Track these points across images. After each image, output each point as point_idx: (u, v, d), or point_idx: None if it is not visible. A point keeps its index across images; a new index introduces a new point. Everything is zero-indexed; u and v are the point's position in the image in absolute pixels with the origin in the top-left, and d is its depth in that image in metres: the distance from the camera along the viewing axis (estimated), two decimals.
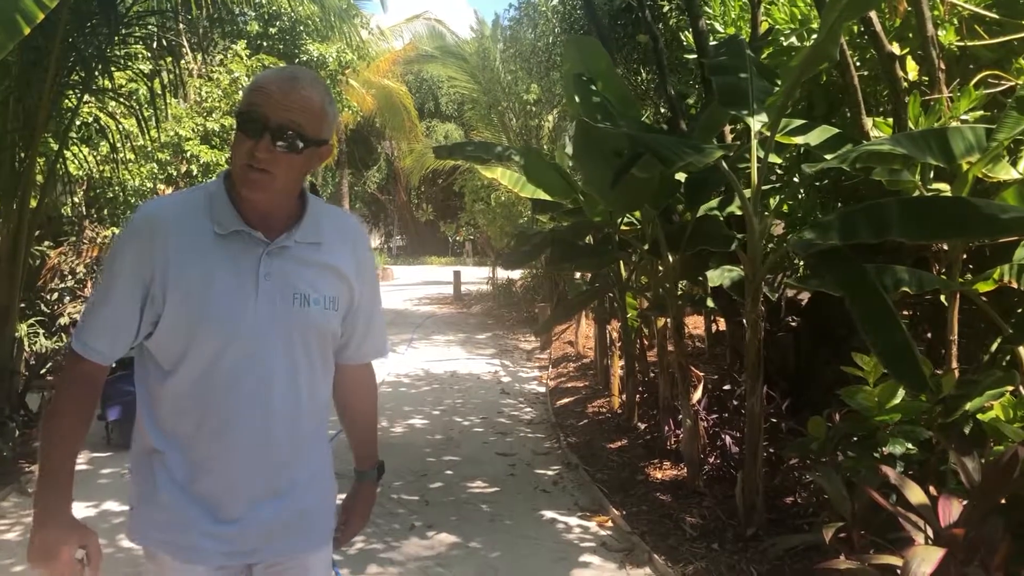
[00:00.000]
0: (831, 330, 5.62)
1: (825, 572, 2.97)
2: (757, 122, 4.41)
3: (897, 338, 3.45)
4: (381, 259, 29.42)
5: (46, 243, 9.03)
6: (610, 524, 4.79)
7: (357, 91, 20.79)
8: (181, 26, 8.16)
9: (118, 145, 7.88)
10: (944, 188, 4.43)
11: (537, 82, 14.69)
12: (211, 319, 1.68)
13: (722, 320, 7.66)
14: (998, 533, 2.66)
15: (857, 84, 4.84)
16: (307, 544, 1.88)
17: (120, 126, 8.00)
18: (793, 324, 5.91)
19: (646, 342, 7.99)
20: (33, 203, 6.39)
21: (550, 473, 5.88)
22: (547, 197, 8.05)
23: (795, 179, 5.75)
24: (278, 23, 12.32)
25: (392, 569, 4.19)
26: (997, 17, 4.69)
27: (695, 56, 7.39)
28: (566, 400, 8.30)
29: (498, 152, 7.33)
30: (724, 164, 4.22)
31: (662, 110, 8.95)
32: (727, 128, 5.91)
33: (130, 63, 7.44)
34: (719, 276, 4.84)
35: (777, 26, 6.13)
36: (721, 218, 5.32)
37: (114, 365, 1.85)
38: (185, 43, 9.32)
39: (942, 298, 4.40)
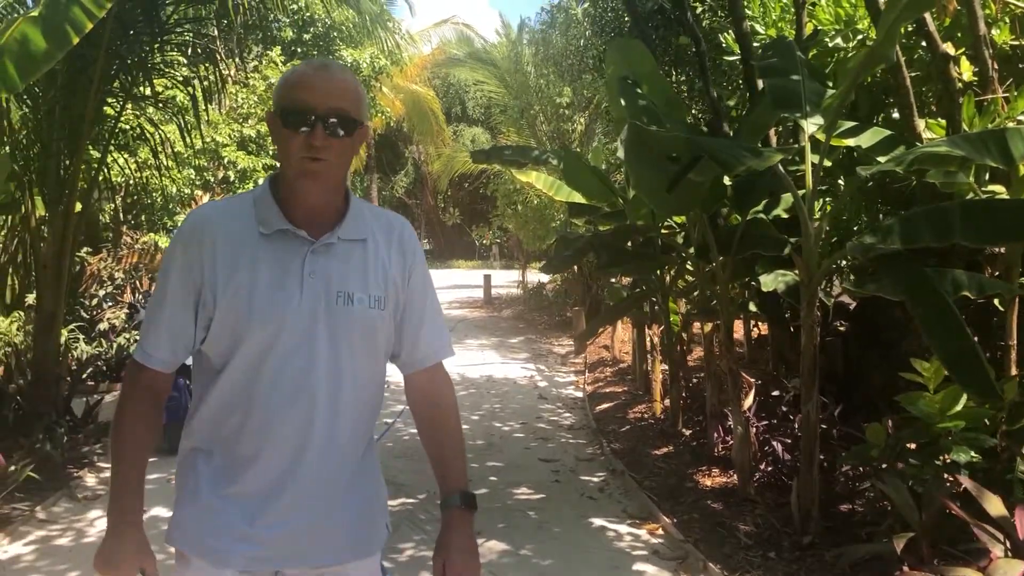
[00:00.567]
0: (880, 334, 5.55)
1: None
2: (811, 124, 4.35)
3: (962, 343, 3.38)
4: None
5: (85, 249, 9.11)
6: (661, 532, 4.73)
7: (386, 96, 20.85)
8: (217, 33, 8.23)
9: (158, 150, 7.93)
10: (1000, 190, 4.35)
11: (569, 85, 14.66)
12: (257, 318, 1.68)
13: (762, 325, 7.60)
14: None
15: (909, 85, 4.77)
16: (347, 553, 1.82)
17: (159, 132, 8.06)
18: (841, 329, 5.83)
19: (686, 347, 7.91)
20: (77, 209, 6.44)
21: (595, 480, 5.83)
22: (583, 200, 8.05)
23: (840, 182, 5.69)
24: (312, 29, 12.37)
25: None
26: None
27: (734, 58, 7.36)
28: (606, 405, 8.25)
29: (535, 155, 7.31)
30: (780, 168, 4.16)
31: (694, 112, 8.87)
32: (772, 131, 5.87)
33: (168, 70, 7.51)
34: (772, 280, 4.77)
35: (822, 27, 6.06)
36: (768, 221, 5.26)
37: None
38: (220, 50, 9.39)
39: (996, 302, 4.32)
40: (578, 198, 8.13)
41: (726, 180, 5.14)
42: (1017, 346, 4.14)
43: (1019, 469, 3.51)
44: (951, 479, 3.58)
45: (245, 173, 9.68)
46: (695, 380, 7.24)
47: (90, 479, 5.60)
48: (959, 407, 3.66)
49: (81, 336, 8.55)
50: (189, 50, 7.42)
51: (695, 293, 7.01)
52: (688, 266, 6.52)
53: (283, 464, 1.73)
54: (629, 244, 6.69)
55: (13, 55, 4.27)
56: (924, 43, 5.11)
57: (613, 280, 9.27)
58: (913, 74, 5.34)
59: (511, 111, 17.25)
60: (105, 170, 7.29)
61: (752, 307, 6.01)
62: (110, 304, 9.12)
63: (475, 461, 6.31)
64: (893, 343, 5.44)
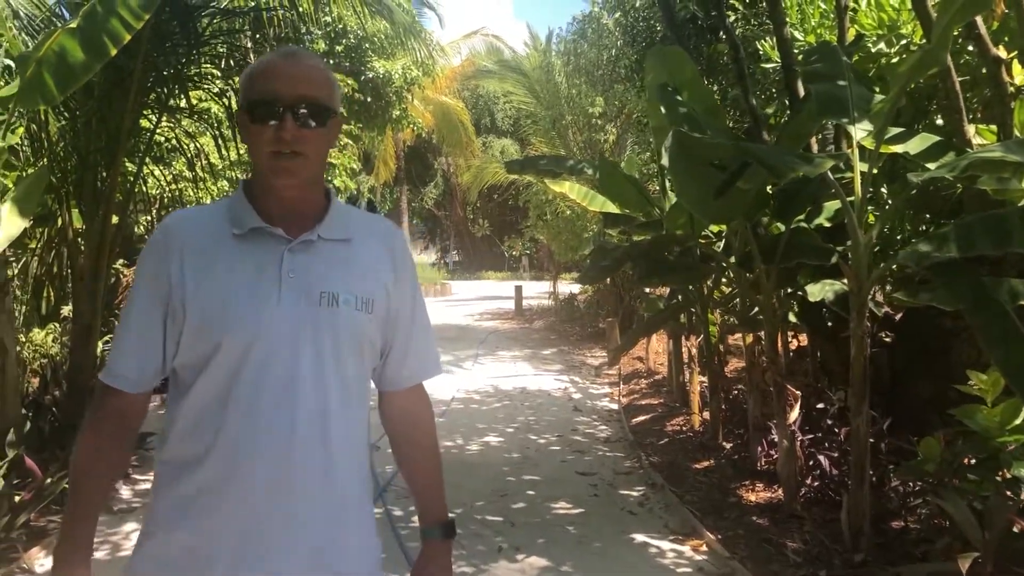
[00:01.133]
0: (926, 345, 5.41)
1: None
2: (859, 130, 4.23)
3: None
4: (439, 274, 29.52)
5: (121, 261, 9.15)
6: (705, 548, 4.61)
7: (417, 108, 20.92)
8: (249, 45, 8.25)
9: (194, 163, 7.95)
10: None
11: (600, 95, 14.60)
12: (231, 323, 1.52)
13: (800, 336, 7.46)
14: None
15: (959, 90, 4.65)
16: None
17: (194, 144, 8.08)
18: (887, 339, 5.69)
19: (723, 358, 7.79)
20: (113, 221, 6.45)
21: (635, 494, 5.72)
22: (617, 210, 7.96)
23: (883, 190, 5.57)
24: (344, 41, 12.40)
25: None
26: None
27: (771, 65, 7.26)
28: (642, 417, 8.13)
29: (570, 165, 7.25)
30: (830, 175, 4.05)
31: (728, 122, 8.75)
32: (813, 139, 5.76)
33: (204, 82, 7.52)
34: (820, 290, 4.66)
35: (864, 32, 5.95)
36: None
37: None
38: (253, 61, 9.43)
39: None
40: (612, 208, 8.06)
41: (768, 188, 5.05)
42: None
43: None
44: (1012, 496, 3.45)
45: None
46: (735, 392, 7.11)
47: (125, 491, 5.58)
48: (1020, 420, 3.54)
49: None
50: (223, 62, 7.44)
51: (733, 303, 6.89)
52: (727, 276, 6.41)
53: (259, 487, 1.52)
54: (667, 254, 6.60)
55: (52, 67, 4.27)
56: (972, 47, 5.00)
57: (648, 291, 9.16)
58: (960, 79, 5.23)
59: (542, 122, 17.21)
60: (141, 182, 7.31)
61: (791, 317, 5.89)
62: None
63: (512, 475, 6.23)
64: (940, 353, 5.30)
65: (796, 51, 6.23)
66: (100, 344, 8.09)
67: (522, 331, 16.93)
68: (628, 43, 11.46)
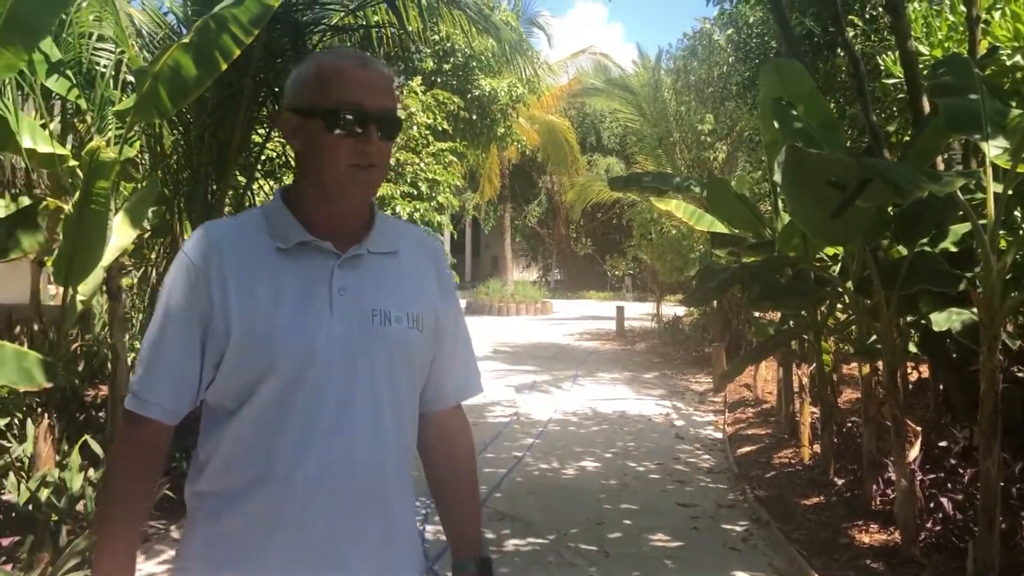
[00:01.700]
0: None
1: None
2: (993, 147, 3.92)
3: None
4: (540, 293, 29.42)
5: None
6: None
7: (522, 126, 20.98)
8: None
9: None
10: None
11: (711, 112, 14.30)
12: (281, 347, 1.42)
13: (922, 368, 7.04)
14: None
15: None
16: None
17: None
18: (1020, 375, 5.27)
19: (836, 389, 7.41)
20: None
21: (738, 529, 5.44)
22: (725, 230, 7.70)
23: (1016, 212, 5.18)
24: (452, 59, 12.50)
25: None
26: None
27: (893, 81, 6.90)
28: (748, 448, 7.80)
29: (676, 183, 7.05)
30: (959, 195, 3.76)
31: (846, 141, 8.38)
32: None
33: None
34: (946, 319, 4.32)
35: (998, 43, 5.58)
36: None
37: None
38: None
39: None
40: (721, 228, 7.81)
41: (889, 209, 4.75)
42: None
43: None
44: None
45: (383, 200, 9.77)
46: (848, 425, 6.74)
47: None
48: None
49: None
50: None
51: (849, 331, 6.54)
52: (843, 301, 6.08)
53: (315, 515, 1.44)
54: (779, 277, 6.32)
55: (166, 81, 4.36)
56: None
57: (758, 315, 8.83)
58: None
59: (649, 139, 16.98)
60: (250, 195, 7.45)
61: (912, 347, 5.53)
62: None
63: (608, 502, 6.03)
64: None
65: (921, 66, 5.88)
66: None
67: (623, 353, 16.64)
68: (740, 60, 11.19)
